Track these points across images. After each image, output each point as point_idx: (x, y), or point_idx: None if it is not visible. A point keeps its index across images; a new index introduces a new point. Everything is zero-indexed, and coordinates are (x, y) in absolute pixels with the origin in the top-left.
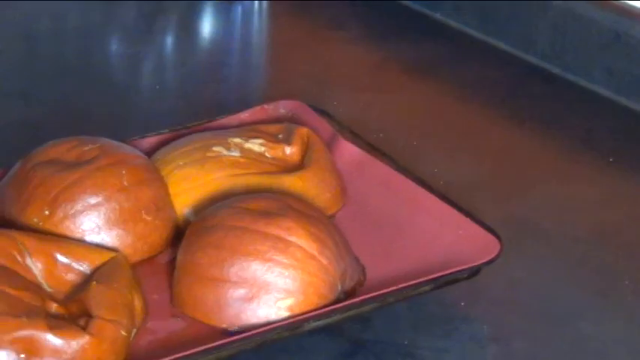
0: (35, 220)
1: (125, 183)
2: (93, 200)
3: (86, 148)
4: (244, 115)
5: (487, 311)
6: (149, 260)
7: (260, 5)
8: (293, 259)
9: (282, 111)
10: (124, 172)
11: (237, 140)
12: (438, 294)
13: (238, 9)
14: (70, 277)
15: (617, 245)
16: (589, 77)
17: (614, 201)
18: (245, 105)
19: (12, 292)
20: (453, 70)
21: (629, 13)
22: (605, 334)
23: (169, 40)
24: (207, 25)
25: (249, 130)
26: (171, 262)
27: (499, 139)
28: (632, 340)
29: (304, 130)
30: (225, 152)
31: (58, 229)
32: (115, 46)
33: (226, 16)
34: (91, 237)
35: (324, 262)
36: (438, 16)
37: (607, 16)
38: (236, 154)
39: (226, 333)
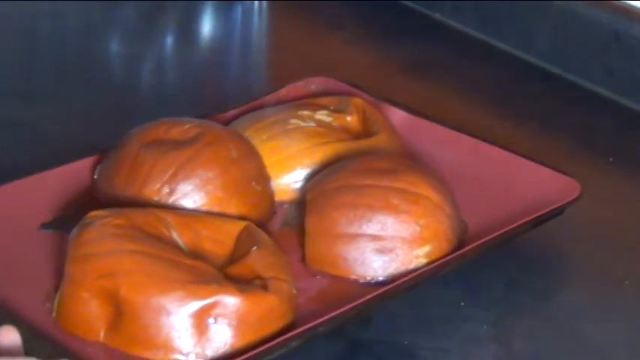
0: (156, 198)
1: (234, 155)
2: (210, 174)
3: (185, 127)
4: (282, 93)
5: (487, 311)
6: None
7: (260, 5)
8: (424, 209)
9: (312, 87)
10: (230, 145)
11: (307, 112)
12: (437, 293)
13: (238, 9)
14: (213, 248)
15: (617, 245)
16: (589, 77)
17: (614, 201)
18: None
19: (187, 261)
20: (452, 70)
21: (629, 13)
22: (605, 334)
23: (169, 40)
24: (207, 25)
25: (305, 103)
26: (280, 228)
27: (499, 139)
28: (632, 340)
29: (358, 100)
30: (302, 124)
31: (180, 205)
32: (115, 46)
33: (226, 16)
34: (213, 209)
35: (449, 210)
36: (438, 16)
37: (607, 16)
38: (312, 124)
39: (371, 284)
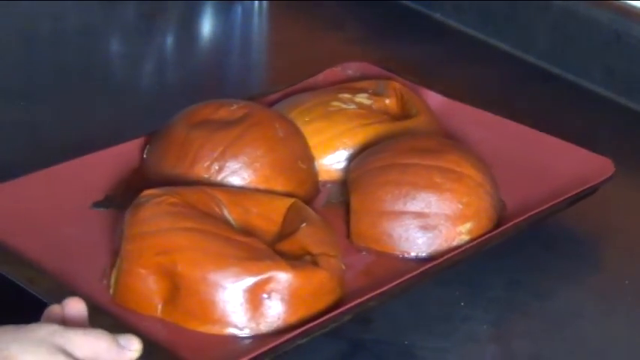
0: (205, 176)
1: (281, 135)
2: (258, 152)
3: (232, 108)
4: (320, 78)
5: (487, 311)
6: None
7: (260, 5)
8: (466, 187)
9: (349, 72)
10: (277, 125)
11: (347, 95)
12: (437, 293)
13: (238, 9)
14: (262, 224)
15: (617, 245)
16: (589, 77)
17: (614, 201)
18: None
19: (240, 238)
20: (452, 70)
21: (629, 13)
22: (605, 334)
23: (169, 40)
24: (207, 25)
25: (344, 87)
26: (324, 206)
27: None
28: (632, 340)
29: (396, 84)
30: (344, 106)
31: (229, 183)
32: (115, 46)
33: (226, 16)
34: (260, 186)
35: (489, 189)
36: (438, 16)
37: (607, 16)
38: (353, 107)
39: (414, 260)
